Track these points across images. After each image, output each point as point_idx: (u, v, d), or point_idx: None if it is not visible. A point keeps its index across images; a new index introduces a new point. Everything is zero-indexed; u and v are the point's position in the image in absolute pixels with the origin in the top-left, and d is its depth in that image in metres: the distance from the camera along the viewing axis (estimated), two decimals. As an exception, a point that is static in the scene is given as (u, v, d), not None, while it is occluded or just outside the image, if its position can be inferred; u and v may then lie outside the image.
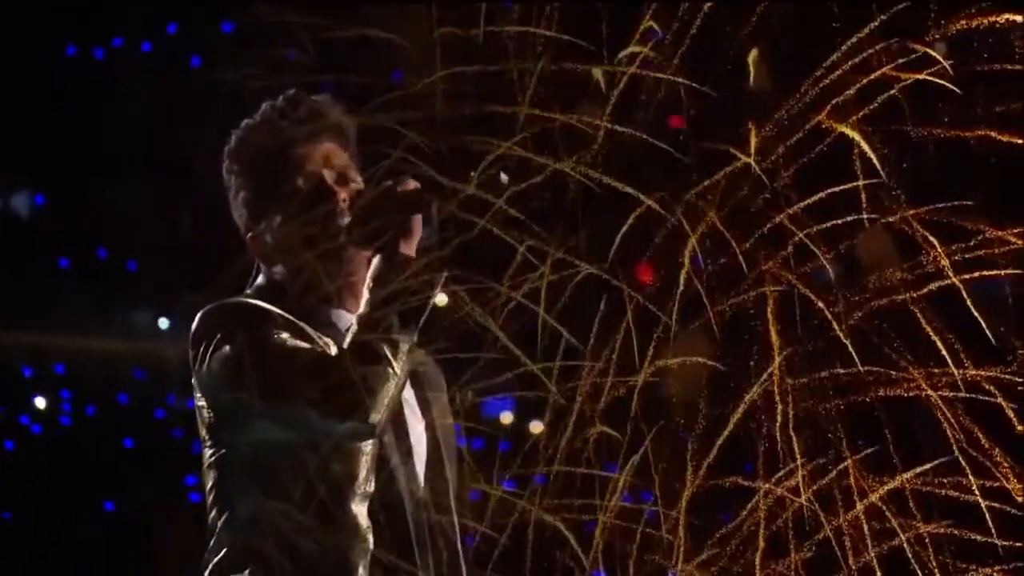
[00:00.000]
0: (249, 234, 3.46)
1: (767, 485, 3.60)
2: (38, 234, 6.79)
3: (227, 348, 3.25)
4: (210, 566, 3.29)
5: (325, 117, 3.43)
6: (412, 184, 3.28)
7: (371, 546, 3.27)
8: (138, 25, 6.70)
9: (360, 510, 3.26)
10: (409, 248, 3.26)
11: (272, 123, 3.43)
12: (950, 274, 3.57)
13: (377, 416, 3.14)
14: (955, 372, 3.60)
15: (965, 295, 3.55)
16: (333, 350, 3.27)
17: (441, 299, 3.30)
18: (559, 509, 3.55)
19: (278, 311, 3.30)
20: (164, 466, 6.54)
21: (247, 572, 3.24)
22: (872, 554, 3.62)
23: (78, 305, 6.67)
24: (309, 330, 3.30)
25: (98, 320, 6.68)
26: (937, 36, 3.46)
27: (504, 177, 3.27)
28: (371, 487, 3.28)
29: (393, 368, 3.15)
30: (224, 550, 3.29)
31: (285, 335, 3.24)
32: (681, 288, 3.52)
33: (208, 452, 3.35)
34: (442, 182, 3.31)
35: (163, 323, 6.79)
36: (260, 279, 3.45)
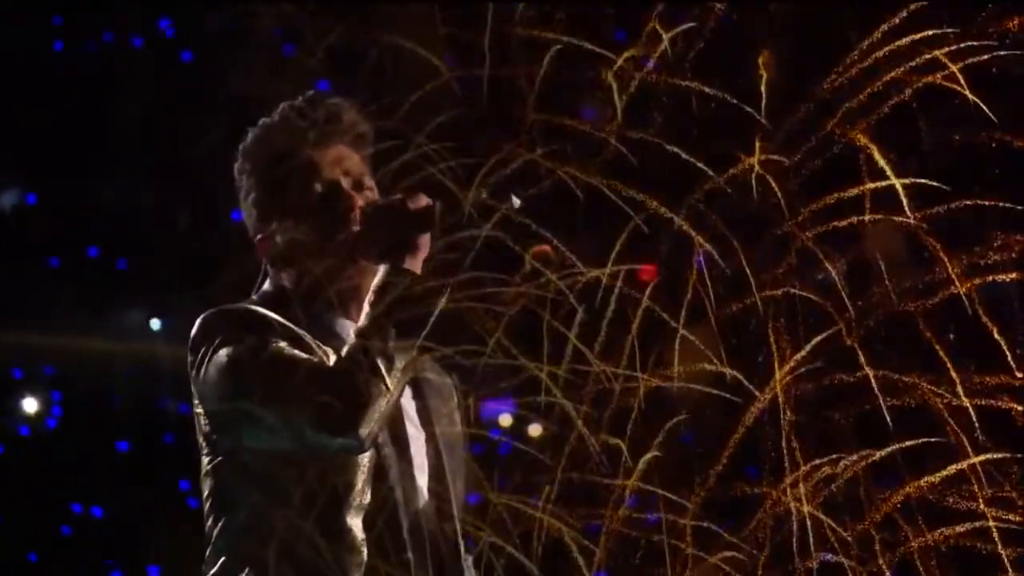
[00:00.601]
0: (258, 236, 3.41)
1: (775, 491, 3.58)
2: (29, 233, 6.74)
3: (224, 355, 3.22)
4: None
5: (344, 121, 3.38)
6: (424, 200, 3.23)
7: (365, 558, 3.23)
8: (130, 21, 6.65)
9: (355, 522, 3.22)
10: (415, 264, 3.21)
11: (290, 123, 3.37)
12: (956, 284, 3.55)
13: (366, 431, 3.11)
14: (956, 379, 3.58)
15: (976, 302, 3.53)
16: (333, 358, 3.24)
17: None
18: (564, 516, 3.52)
19: (280, 319, 3.26)
20: (156, 471, 6.50)
21: (244, 573, 3.22)
22: (883, 562, 3.60)
23: (69, 305, 6.62)
24: (309, 340, 3.26)
25: (89, 321, 6.64)
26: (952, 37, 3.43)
27: (516, 201, 3.22)
28: (367, 499, 3.24)
29: (385, 383, 3.11)
30: (221, 560, 3.26)
31: (283, 344, 3.20)
32: (689, 296, 3.49)
33: (205, 460, 3.31)
34: (449, 187, 3.27)
35: (155, 324, 6.75)
36: (267, 285, 3.41)
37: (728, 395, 3.56)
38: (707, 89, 3.51)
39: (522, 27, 3.50)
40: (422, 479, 3.32)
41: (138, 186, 6.56)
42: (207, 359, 3.23)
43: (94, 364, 6.64)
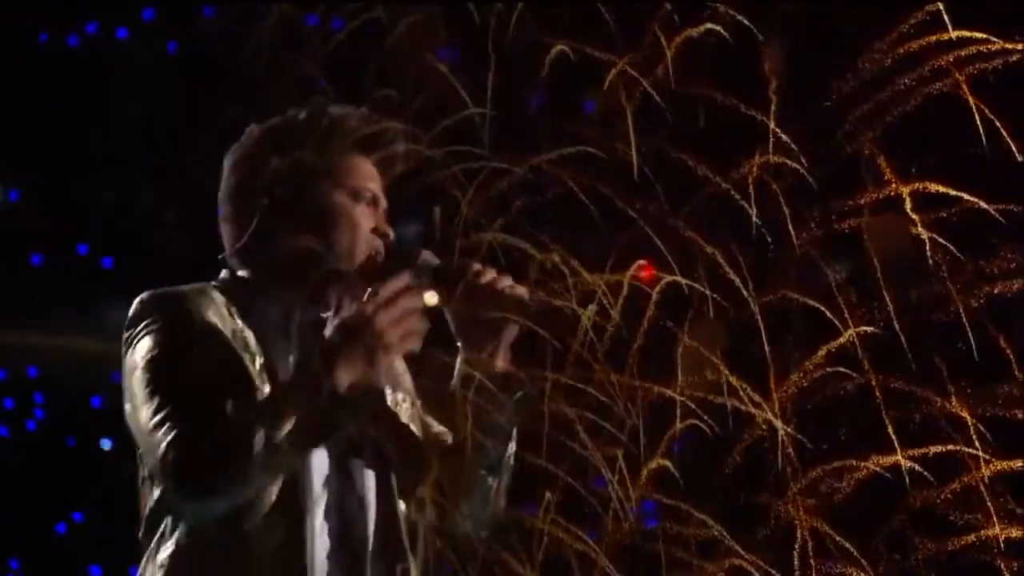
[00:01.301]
0: (237, 222, 3.25)
1: (778, 502, 3.57)
2: (11, 231, 6.70)
3: (146, 344, 3.06)
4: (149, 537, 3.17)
5: (392, 141, 3.28)
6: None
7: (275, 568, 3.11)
8: (113, 12, 6.60)
9: (267, 525, 3.07)
10: (400, 342, 3.05)
11: (338, 123, 3.24)
12: (954, 296, 3.55)
13: (227, 497, 2.96)
14: (951, 389, 3.57)
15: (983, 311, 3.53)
16: (259, 362, 3.12)
17: (431, 298, 3.18)
18: (564, 526, 3.49)
19: (224, 313, 3.12)
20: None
21: (178, 532, 3.11)
22: (884, 572, 3.59)
23: (52, 304, 6.58)
24: (247, 341, 3.12)
25: (73, 320, 6.60)
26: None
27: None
28: (272, 497, 3.12)
29: (273, 447, 2.92)
30: (145, 558, 3.16)
31: (208, 345, 3.05)
32: (693, 304, 3.47)
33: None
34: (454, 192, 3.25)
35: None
36: (224, 274, 3.27)
37: (732, 404, 3.54)
38: (715, 93, 3.49)
39: (526, 31, 3.47)
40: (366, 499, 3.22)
41: (124, 183, 6.52)
42: (133, 344, 3.10)
43: (78, 364, 6.59)
